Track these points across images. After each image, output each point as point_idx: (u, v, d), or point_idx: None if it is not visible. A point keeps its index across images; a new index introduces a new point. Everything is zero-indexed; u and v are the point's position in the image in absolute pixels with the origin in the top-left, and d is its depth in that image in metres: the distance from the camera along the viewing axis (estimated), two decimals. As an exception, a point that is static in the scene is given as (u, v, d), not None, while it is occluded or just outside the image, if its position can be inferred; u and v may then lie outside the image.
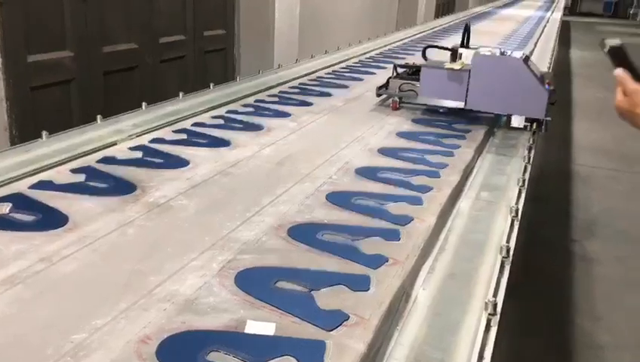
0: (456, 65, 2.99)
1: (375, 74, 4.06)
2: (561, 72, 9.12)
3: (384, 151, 2.38)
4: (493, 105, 2.83)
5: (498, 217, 1.81)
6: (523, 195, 1.97)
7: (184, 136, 2.43)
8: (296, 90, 3.42)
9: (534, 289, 2.96)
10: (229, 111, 2.85)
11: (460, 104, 2.85)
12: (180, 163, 2.12)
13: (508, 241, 1.59)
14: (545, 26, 8.66)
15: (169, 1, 4.20)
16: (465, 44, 3.18)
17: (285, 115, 2.87)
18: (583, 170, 4.61)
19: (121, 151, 2.22)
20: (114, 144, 2.31)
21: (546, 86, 2.82)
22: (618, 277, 3.01)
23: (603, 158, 4.87)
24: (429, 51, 3.51)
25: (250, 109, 2.93)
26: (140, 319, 1.21)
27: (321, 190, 1.94)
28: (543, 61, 5.22)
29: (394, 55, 4.94)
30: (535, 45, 6.27)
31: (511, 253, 1.53)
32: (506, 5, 13.62)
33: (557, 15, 11.18)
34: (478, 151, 2.50)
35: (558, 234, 3.54)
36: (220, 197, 1.85)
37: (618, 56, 1.53)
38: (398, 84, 3.18)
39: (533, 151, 2.39)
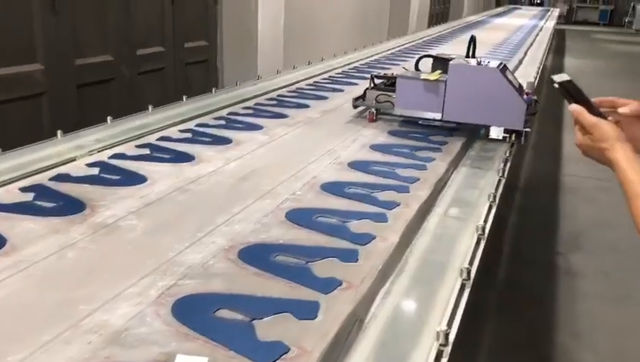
0: (432, 76, 2.91)
1: (357, 85, 3.98)
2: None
3: (355, 165, 2.29)
4: (471, 116, 2.74)
5: (464, 236, 1.71)
6: (493, 211, 1.88)
7: (147, 151, 2.34)
8: (273, 102, 3.34)
9: (515, 305, 2.86)
10: (198, 125, 2.77)
11: (437, 115, 2.77)
12: (137, 180, 2.03)
13: (470, 263, 1.49)
14: (537, 34, 8.62)
15: (147, 11, 4.12)
16: (471, 54, 3.07)
17: (257, 127, 2.78)
18: (571, 181, 4.53)
19: (77, 168, 2.13)
20: (72, 160, 2.22)
21: (525, 96, 2.74)
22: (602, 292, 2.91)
23: (592, 169, 4.77)
24: (424, 61, 3.39)
25: (222, 122, 2.85)
26: (60, 354, 1.12)
27: (282, 207, 1.84)
28: (532, 69, 5.16)
29: (379, 66, 4.87)
30: (525, 54, 6.21)
31: (472, 275, 1.44)
32: (499, 14, 13.61)
33: (550, 24, 11.15)
34: (454, 165, 2.42)
35: (542, 246, 3.44)
36: (172, 217, 1.76)
37: (569, 92, 1.43)
38: (375, 95, 3.10)
39: (508, 165, 2.30)
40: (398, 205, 1.90)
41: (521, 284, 3.08)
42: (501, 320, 2.75)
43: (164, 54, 4.37)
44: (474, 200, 2.00)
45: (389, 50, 6.12)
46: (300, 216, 1.78)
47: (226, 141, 2.53)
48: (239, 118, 2.93)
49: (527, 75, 4.55)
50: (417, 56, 3.39)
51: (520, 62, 5.63)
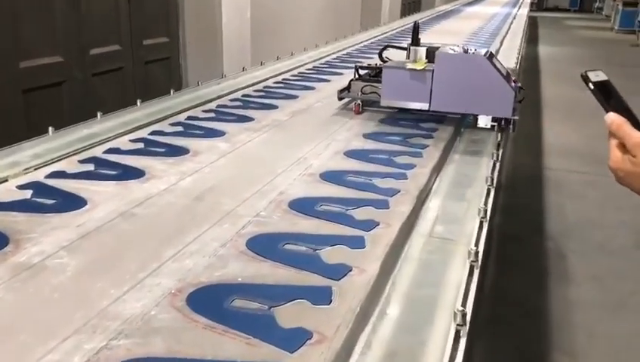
0: (419, 65, 2.75)
1: (329, 81, 3.73)
2: (530, 70, 8.91)
3: (327, 176, 2.04)
4: (459, 106, 2.66)
5: (454, 262, 1.47)
6: (485, 229, 1.64)
7: (90, 168, 2.06)
8: (237, 104, 3.07)
9: (504, 318, 2.65)
10: (153, 133, 2.49)
11: (425, 105, 2.67)
12: (75, 204, 1.75)
13: (464, 303, 1.26)
14: (512, 22, 8.45)
15: (100, 8, 3.81)
16: (415, 42, 2.94)
17: (218, 133, 2.51)
18: (555, 176, 4.34)
19: (7, 191, 1.85)
20: (4, 181, 1.93)
21: (513, 84, 2.61)
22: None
23: (576, 161, 4.61)
24: (387, 53, 3.22)
25: (179, 129, 2.57)
26: None
27: (243, 233, 1.59)
28: (509, 58, 4.97)
29: (352, 59, 4.61)
30: (501, 43, 6.02)
31: (468, 317, 1.20)
32: (472, 3, 13.44)
33: (524, 11, 10.99)
34: (437, 170, 2.18)
35: (529, 250, 3.25)
36: (111, 251, 1.49)
37: (607, 96, 1.13)
38: (360, 86, 2.98)
39: (496, 172, 2.07)
40: (377, 225, 1.66)
41: (508, 293, 2.87)
42: (489, 338, 2.53)
43: (121, 53, 4.06)
44: (461, 215, 1.76)
45: (361, 42, 5.87)
46: (263, 245, 1.52)
47: (182, 151, 2.26)
48: (199, 124, 2.65)
49: (506, 63, 4.36)
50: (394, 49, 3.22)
51: (497, 51, 5.44)
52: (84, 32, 3.68)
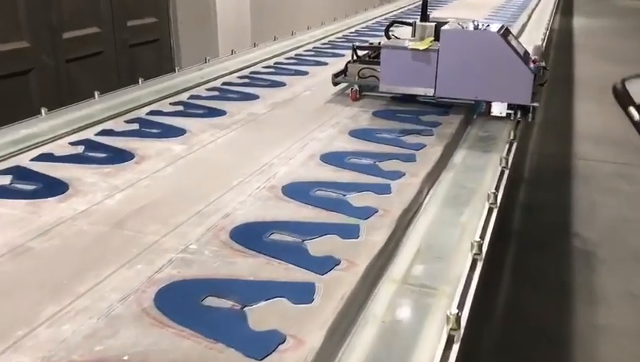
0: (422, 45, 2.37)
1: (326, 65, 3.31)
2: (563, 44, 8.28)
3: (290, 191, 1.65)
4: (469, 91, 2.31)
5: (429, 329, 1.08)
6: (478, 272, 1.24)
7: (6, 181, 1.70)
8: (213, 94, 2.68)
9: (518, 346, 2.24)
10: (101, 133, 2.12)
11: (429, 91, 2.34)
12: (-37, 233, 1.40)
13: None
14: (542, -7, 7.83)
15: (73, -14, 3.44)
16: (423, 18, 2.56)
17: (178, 132, 2.14)
18: (586, 167, 3.86)
19: None
20: None
21: (532, 65, 2.23)
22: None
23: (610, 150, 4.11)
24: (396, 30, 2.82)
25: (134, 127, 2.20)
26: None
27: (156, 280, 1.21)
28: (537, 33, 4.49)
29: (360, 38, 4.18)
30: (529, 16, 5.48)
31: None
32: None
33: (557, -19, 10.28)
34: (431, 179, 1.77)
35: (552, 261, 2.80)
36: (-27, 310, 1.13)
37: None
38: (358, 69, 2.63)
39: (504, 184, 1.64)
40: (336, 264, 1.27)
41: (525, 315, 2.45)
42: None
43: (101, 36, 3.69)
44: (452, 246, 1.36)
45: (376, 17, 5.41)
46: (178, 300, 1.15)
47: (125, 157, 1.89)
48: (160, 120, 2.28)
49: (532, 40, 3.88)
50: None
51: (524, 25, 4.93)
52: (54, 12, 3.32)
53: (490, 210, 1.50)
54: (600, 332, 2.27)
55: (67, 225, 1.45)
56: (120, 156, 1.90)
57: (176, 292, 1.17)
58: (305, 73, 3.12)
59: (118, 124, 2.22)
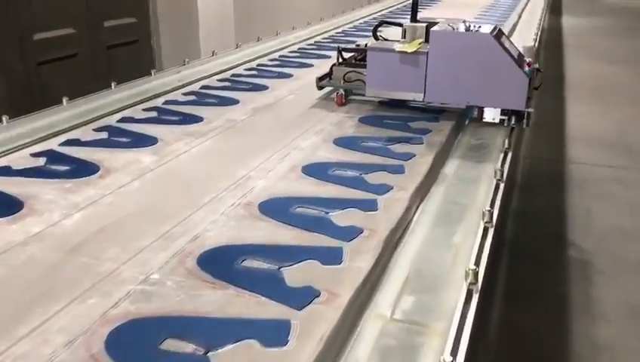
0: (410, 47, 2.23)
1: (311, 67, 3.17)
2: (553, 44, 8.18)
3: (268, 208, 1.51)
4: (460, 96, 2.18)
5: (420, 379, 0.94)
6: (474, 305, 1.10)
7: (-47, 199, 1.55)
8: (190, 99, 2.53)
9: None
10: (66, 143, 1.97)
11: (418, 96, 2.22)
12: None
13: None
14: (533, -8, 7.73)
15: (45, -15, 3.27)
16: (413, 18, 2.43)
17: (149, 141, 1.99)
18: (579, 171, 3.75)
19: None
20: None
21: (526, 68, 2.10)
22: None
23: (604, 153, 3.99)
24: (385, 31, 2.68)
25: (102, 136, 2.05)
26: None
27: (110, 317, 1.07)
28: (528, 34, 4.37)
29: (346, 39, 4.04)
30: (520, 16, 5.37)
31: None
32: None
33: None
34: (420, 194, 1.64)
35: (545, 273, 2.67)
36: None
37: None
38: (343, 72, 2.50)
39: (497, 204, 1.51)
40: (316, 297, 1.13)
41: (518, 332, 2.32)
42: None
43: (76, 37, 3.52)
44: (444, 273, 1.22)
45: (365, 17, 5.27)
46: (130, 344, 1.01)
47: (90, 170, 1.74)
48: (131, 128, 2.13)
49: (524, 40, 3.77)
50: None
51: (515, 25, 4.82)
52: (23, 14, 3.15)
53: (485, 230, 1.37)
54: (600, 352, 2.15)
55: (16, 251, 1.30)
56: (84, 169, 1.74)
57: (132, 333, 1.03)
58: (289, 76, 2.98)
59: (85, 133, 2.07)
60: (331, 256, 1.28)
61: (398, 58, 2.24)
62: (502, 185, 1.63)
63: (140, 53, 4.07)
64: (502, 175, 1.67)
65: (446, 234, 1.42)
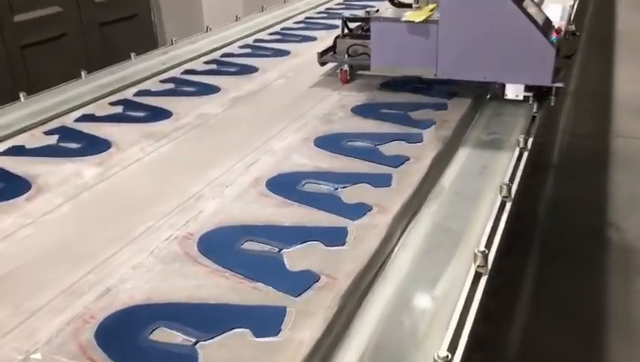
0: (419, 16, 1.97)
1: (316, 39, 2.82)
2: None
3: (211, 244, 1.22)
4: (476, 71, 1.89)
5: None
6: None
7: None
8: (166, 88, 2.24)
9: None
10: (6, 152, 1.71)
11: (430, 72, 1.93)
12: None
13: None
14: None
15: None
16: None
17: (100, 147, 1.71)
18: (627, 147, 3.28)
19: None
20: None
21: (554, 36, 1.82)
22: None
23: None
24: None
25: (51, 140, 1.78)
26: None
27: None
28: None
29: (362, 5, 3.64)
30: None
31: None
32: None
33: None
34: (408, 213, 1.32)
35: (579, 278, 2.28)
36: None
37: None
38: (347, 45, 2.25)
39: (496, 244, 1.16)
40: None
41: (541, 353, 1.98)
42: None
43: (63, 16, 3.26)
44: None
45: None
46: None
47: (19, 189, 1.48)
48: (86, 129, 1.86)
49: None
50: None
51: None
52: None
53: (476, 281, 1.04)
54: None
55: None
56: (12, 188, 1.49)
57: None
58: (286, 53, 2.64)
59: (33, 138, 1.81)
60: (267, 323, 0.99)
61: (405, 28, 1.97)
62: (508, 205, 1.29)
63: (139, 29, 3.78)
64: (509, 191, 1.32)
65: (431, 278, 1.10)
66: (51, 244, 1.25)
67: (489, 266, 1.07)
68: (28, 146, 1.74)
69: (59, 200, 1.43)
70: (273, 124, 1.83)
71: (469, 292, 0.98)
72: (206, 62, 2.55)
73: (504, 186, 1.31)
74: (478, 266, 1.06)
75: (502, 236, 1.16)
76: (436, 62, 1.91)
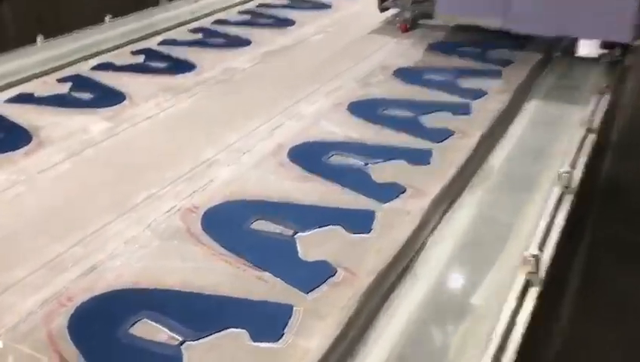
0: None
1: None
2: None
3: (219, 220, 1.07)
4: (548, 24, 1.75)
5: None
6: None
7: None
8: (193, 38, 2.07)
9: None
10: (14, 99, 1.59)
11: (496, 22, 1.82)
12: None
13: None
14: None
15: None
16: None
17: (113, 100, 1.57)
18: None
19: None
20: None
21: None
22: None
23: None
24: None
25: (63, 89, 1.64)
26: None
27: None
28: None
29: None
30: None
31: None
32: None
33: None
34: (444, 201, 1.13)
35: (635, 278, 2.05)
36: None
37: None
38: None
39: (551, 246, 0.97)
40: None
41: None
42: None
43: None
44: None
45: None
46: None
47: (18, 141, 1.35)
48: (101, 78, 1.71)
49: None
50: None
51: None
52: None
53: (525, 290, 0.86)
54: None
55: None
56: (11, 140, 1.36)
57: None
58: (327, 7, 2.43)
59: (45, 86, 1.67)
60: (270, 322, 0.83)
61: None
62: (569, 198, 1.09)
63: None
64: (569, 182, 1.11)
65: (467, 288, 0.92)
66: (41, 207, 1.12)
67: (541, 274, 0.88)
68: (37, 94, 1.61)
69: (59, 156, 1.29)
70: (304, 85, 1.64)
71: (515, 306, 0.79)
72: (239, 12, 2.36)
73: (564, 175, 1.11)
74: (529, 273, 0.88)
75: (560, 236, 0.96)
76: (505, 11, 1.75)
